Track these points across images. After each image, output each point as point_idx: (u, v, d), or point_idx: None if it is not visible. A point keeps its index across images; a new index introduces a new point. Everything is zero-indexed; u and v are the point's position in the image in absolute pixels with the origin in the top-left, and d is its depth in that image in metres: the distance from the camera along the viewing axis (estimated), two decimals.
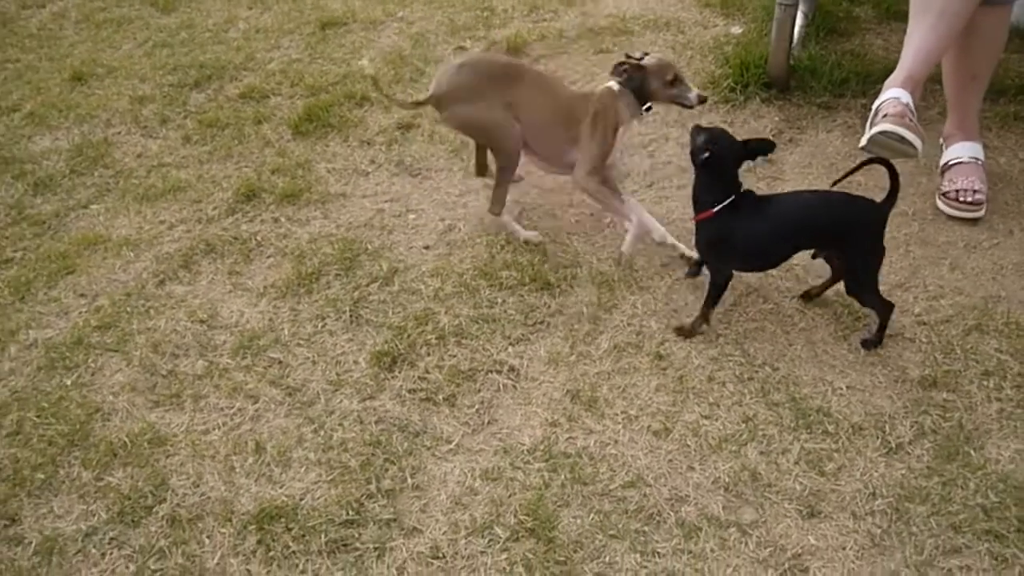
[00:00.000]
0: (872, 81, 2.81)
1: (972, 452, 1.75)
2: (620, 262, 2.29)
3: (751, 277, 2.19)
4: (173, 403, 1.98)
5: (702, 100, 2.32)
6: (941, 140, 2.47)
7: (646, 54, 2.38)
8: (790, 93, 2.87)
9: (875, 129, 2.03)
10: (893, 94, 2.09)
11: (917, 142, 2.01)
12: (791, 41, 2.76)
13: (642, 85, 2.32)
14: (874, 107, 2.12)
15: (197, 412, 1.95)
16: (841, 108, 2.81)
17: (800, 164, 2.59)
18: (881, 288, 1.95)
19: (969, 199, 2.30)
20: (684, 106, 2.35)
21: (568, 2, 3.67)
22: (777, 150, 2.60)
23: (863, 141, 2.08)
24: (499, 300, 2.20)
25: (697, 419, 1.86)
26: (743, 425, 1.84)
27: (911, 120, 2.03)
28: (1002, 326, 2.01)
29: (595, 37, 3.35)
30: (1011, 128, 2.67)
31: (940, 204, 2.36)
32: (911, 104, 2.08)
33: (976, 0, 2.13)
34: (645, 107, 2.36)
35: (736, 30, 3.30)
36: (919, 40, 2.14)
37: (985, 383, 1.89)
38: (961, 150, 2.39)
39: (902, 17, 3.09)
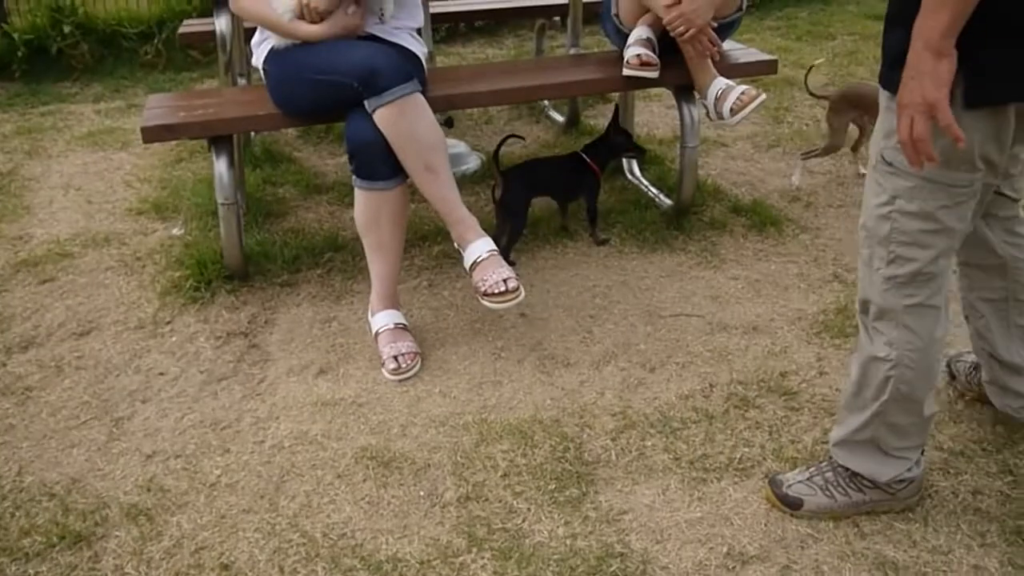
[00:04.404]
0: (317, 252, 3.13)
1: (526, 549, 2.01)
2: None
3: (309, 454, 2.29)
4: None
5: None
6: None
7: None
8: (252, 280, 3.05)
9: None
10: None
11: None
12: (241, 234, 2.94)
13: None
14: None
15: None
16: (302, 282, 3.06)
17: (283, 341, 2.76)
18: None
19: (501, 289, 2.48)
20: None
21: None
22: (255, 333, 2.76)
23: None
24: (30, 573, 2.01)
25: None
26: None
27: None
28: (502, 432, 2.37)
29: (34, 268, 3.20)
30: None
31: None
32: None
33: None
34: None
35: (177, 232, 3.39)
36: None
37: (508, 484, 2.20)
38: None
39: (319, 190, 3.48)
